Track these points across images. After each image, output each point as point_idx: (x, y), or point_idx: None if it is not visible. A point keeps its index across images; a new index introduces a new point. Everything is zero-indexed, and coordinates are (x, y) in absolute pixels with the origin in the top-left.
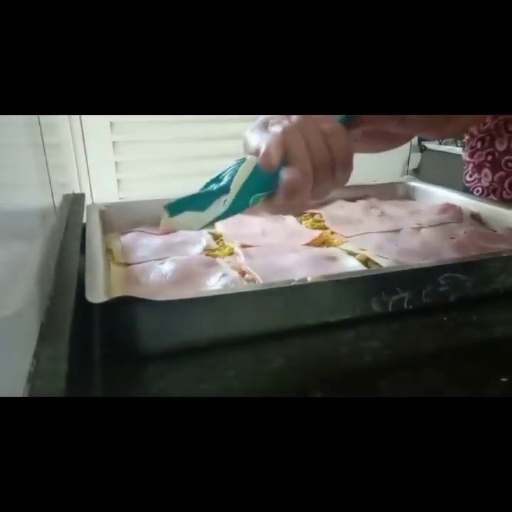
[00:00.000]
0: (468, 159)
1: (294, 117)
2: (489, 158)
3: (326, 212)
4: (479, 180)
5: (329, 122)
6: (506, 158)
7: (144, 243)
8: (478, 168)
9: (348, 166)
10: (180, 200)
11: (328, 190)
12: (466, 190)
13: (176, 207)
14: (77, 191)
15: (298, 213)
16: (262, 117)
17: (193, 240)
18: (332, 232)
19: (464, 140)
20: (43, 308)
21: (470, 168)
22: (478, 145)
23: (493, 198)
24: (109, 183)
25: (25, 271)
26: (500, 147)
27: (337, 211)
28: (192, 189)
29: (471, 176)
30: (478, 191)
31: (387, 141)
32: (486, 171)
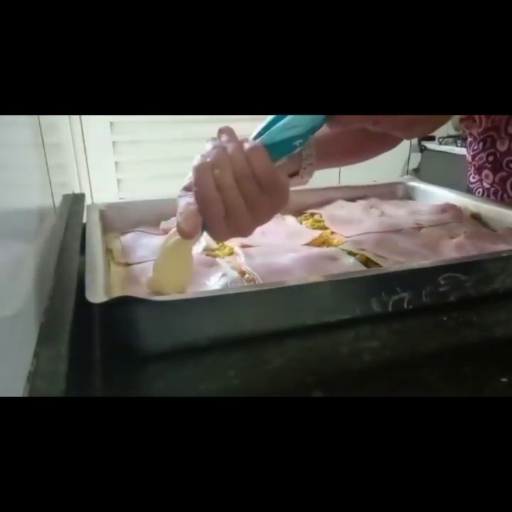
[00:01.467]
0: (470, 161)
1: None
2: (490, 159)
3: (325, 212)
4: (481, 181)
5: (249, 143)
6: (507, 158)
7: (144, 243)
8: (479, 169)
9: (272, 184)
10: None
11: (267, 213)
12: (470, 192)
13: None
14: (77, 191)
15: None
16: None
17: (193, 240)
18: (332, 232)
19: (467, 142)
20: (43, 308)
21: (472, 169)
22: (480, 146)
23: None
24: (109, 183)
25: (25, 271)
26: (502, 148)
27: (337, 211)
28: None
29: (474, 178)
30: (479, 193)
31: (340, 160)
32: (486, 171)
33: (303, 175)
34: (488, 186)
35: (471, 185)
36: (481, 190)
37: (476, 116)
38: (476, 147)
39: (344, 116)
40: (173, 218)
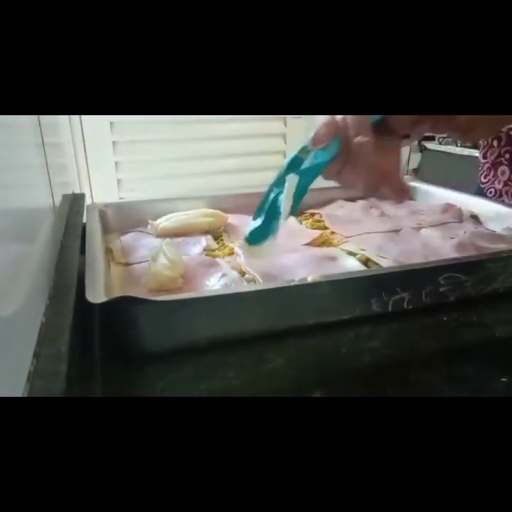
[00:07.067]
0: (482, 160)
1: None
2: (507, 156)
3: (326, 212)
4: (494, 180)
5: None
6: None
7: (144, 243)
8: (493, 166)
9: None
10: (253, 231)
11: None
12: (480, 191)
13: (253, 238)
14: (77, 191)
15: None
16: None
17: (194, 240)
18: (332, 232)
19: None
20: (43, 308)
21: (485, 168)
22: (495, 143)
23: (506, 200)
24: (109, 183)
25: (25, 271)
26: None
27: (337, 211)
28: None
29: (486, 177)
30: (491, 192)
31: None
32: (503, 168)
33: (411, 139)
34: (500, 186)
35: (482, 185)
36: (493, 190)
37: None
38: (490, 144)
39: (396, 119)
40: (162, 217)
